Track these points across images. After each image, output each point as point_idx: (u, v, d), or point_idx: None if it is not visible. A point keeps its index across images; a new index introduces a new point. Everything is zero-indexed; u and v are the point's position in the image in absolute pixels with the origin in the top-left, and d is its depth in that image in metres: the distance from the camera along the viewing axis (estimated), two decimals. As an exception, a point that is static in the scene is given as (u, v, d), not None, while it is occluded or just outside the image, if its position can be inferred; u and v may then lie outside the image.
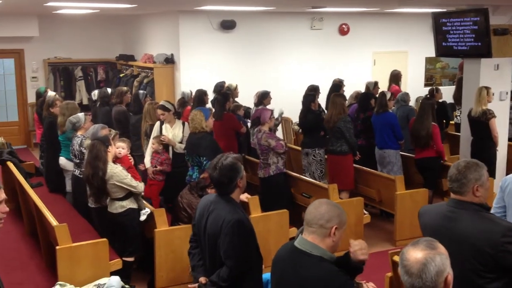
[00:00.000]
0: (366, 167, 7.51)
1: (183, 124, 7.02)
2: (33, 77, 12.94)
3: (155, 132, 7.04)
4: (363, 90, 9.32)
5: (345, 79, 9.91)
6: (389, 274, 4.34)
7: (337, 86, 9.34)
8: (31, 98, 12.21)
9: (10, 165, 7.61)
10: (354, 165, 7.45)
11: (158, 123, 7.10)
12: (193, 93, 8.96)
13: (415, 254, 2.17)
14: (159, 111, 6.96)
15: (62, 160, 6.95)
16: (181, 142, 6.88)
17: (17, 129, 12.97)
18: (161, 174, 6.79)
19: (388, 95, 7.88)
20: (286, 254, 2.84)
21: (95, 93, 9.50)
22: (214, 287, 3.49)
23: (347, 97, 8.52)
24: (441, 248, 2.21)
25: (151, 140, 6.94)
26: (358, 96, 8.76)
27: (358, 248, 2.98)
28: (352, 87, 9.67)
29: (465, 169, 3.01)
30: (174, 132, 6.93)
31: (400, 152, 7.78)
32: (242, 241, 3.42)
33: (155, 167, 6.75)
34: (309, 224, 2.74)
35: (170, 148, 6.94)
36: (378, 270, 5.79)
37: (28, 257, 6.60)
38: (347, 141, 7.28)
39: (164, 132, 6.96)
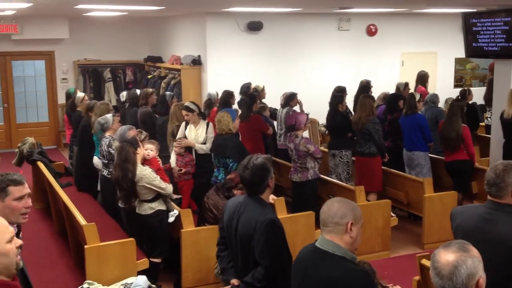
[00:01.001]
0: (394, 169, 7.42)
1: (207, 124, 7.04)
2: (63, 79, 13.16)
3: (181, 133, 7.09)
4: (391, 91, 9.22)
5: (372, 80, 9.81)
6: (417, 277, 4.27)
7: (365, 88, 9.25)
8: (61, 99, 12.41)
9: (41, 165, 7.74)
10: (382, 167, 7.38)
11: (183, 123, 7.15)
12: (219, 95, 8.99)
13: (447, 256, 2.14)
14: (184, 112, 7.00)
15: (95, 160, 7.04)
16: (204, 143, 6.89)
17: (47, 129, 13.20)
18: (189, 164, 6.81)
19: (418, 96, 7.78)
20: (308, 255, 2.83)
21: (123, 95, 9.61)
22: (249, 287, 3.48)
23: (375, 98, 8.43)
24: (474, 251, 2.18)
25: (175, 143, 6.98)
26: (385, 98, 8.67)
27: None
28: (380, 88, 9.57)
29: (504, 172, 2.97)
30: (198, 133, 6.96)
31: (429, 154, 7.67)
32: (277, 240, 3.43)
33: (180, 170, 6.79)
34: (324, 224, 2.74)
35: (193, 149, 6.96)
36: (405, 273, 5.73)
37: (57, 255, 6.71)
38: (375, 143, 7.21)
39: (188, 132, 6.99)
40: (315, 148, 6.72)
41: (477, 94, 10.34)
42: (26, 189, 2.91)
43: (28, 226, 2.98)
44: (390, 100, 8.24)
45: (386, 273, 5.78)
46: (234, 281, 3.59)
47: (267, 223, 3.39)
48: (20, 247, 2.34)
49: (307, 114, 6.98)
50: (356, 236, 2.73)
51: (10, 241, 2.28)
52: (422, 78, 10.38)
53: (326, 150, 8.16)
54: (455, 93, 11.10)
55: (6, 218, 2.72)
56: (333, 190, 6.81)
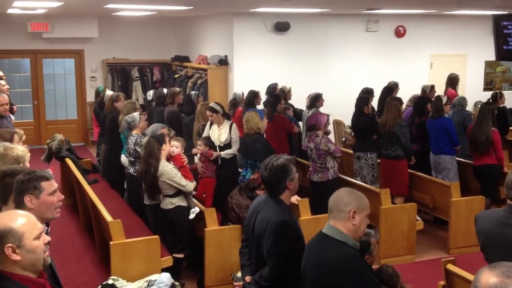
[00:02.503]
0: (421, 173, 7.34)
1: (231, 125, 7.06)
2: (92, 77, 13.36)
3: (206, 132, 7.13)
4: (419, 93, 9.12)
5: (400, 82, 9.71)
6: (442, 282, 4.22)
7: (390, 89, 9.15)
8: (90, 97, 12.60)
9: (69, 161, 7.86)
10: (409, 170, 7.30)
11: (209, 123, 7.19)
12: (245, 95, 9.01)
13: (489, 278, 2.01)
14: (208, 113, 7.04)
15: (123, 158, 7.14)
16: (228, 143, 6.91)
17: (75, 127, 13.41)
18: (209, 168, 6.81)
19: (444, 99, 7.67)
20: (314, 240, 3.02)
21: (150, 93, 9.71)
22: (256, 286, 3.53)
23: (403, 100, 8.33)
24: None
25: (198, 141, 6.99)
26: (413, 100, 8.58)
27: None
28: (408, 91, 9.47)
29: None
30: (221, 133, 6.99)
31: (456, 158, 7.57)
32: (285, 242, 3.44)
33: (206, 159, 6.76)
34: (330, 210, 2.93)
35: (217, 148, 6.97)
36: (430, 278, 5.67)
37: (83, 251, 6.81)
38: (402, 146, 7.14)
39: (211, 132, 7.03)
40: (335, 147, 6.72)
41: (507, 98, 10.15)
42: (55, 184, 2.96)
43: (55, 221, 3.02)
44: (417, 103, 8.15)
45: (411, 277, 5.72)
46: (247, 278, 3.66)
47: (277, 224, 3.43)
48: (48, 243, 2.37)
49: (327, 115, 6.98)
50: (359, 224, 2.86)
51: (38, 237, 2.31)
52: (452, 81, 10.23)
53: (351, 151, 8.12)
54: (484, 96, 10.93)
55: (42, 215, 2.79)
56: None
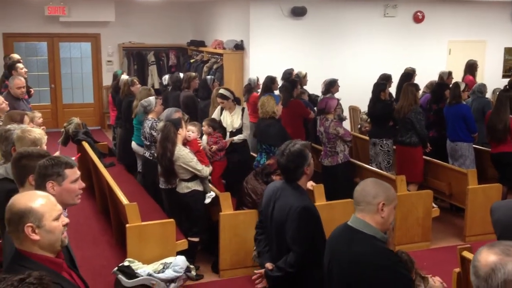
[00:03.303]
0: (437, 160, 7.29)
1: (243, 110, 7.06)
2: (108, 61, 13.40)
3: (215, 115, 7.13)
4: (437, 80, 9.03)
5: (418, 69, 9.59)
6: (457, 269, 4.20)
7: (408, 75, 9.06)
8: (106, 81, 12.66)
9: (85, 145, 7.92)
10: (424, 157, 7.26)
11: (218, 108, 7.19)
12: (260, 80, 8.97)
13: (488, 256, 2.04)
14: (219, 100, 7.04)
15: (133, 145, 7.18)
16: (240, 128, 6.91)
17: (92, 110, 13.50)
18: (219, 152, 6.80)
19: (462, 86, 7.58)
20: (339, 233, 2.90)
21: (165, 78, 9.73)
22: (281, 272, 3.51)
23: (421, 86, 8.26)
24: None
25: (203, 122, 6.98)
26: (430, 86, 8.49)
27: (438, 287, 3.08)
28: (426, 77, 9.38)
29: None
30: (233, 118, 6.99)
31: (474, 145, 7.49)
32: (309, 227, 3.43)
33: (211, 148, 6.77)
34: (357, 202, 2.81)
35: (228, 134, 6.98)
36: (445, 265, 5.65)
37: (100, 233, 6.88)
38: (417, 133, 7.09)
39: (223, 118, 7.03)
40: (345, 131, 6.71)
41: (527, 85, 9.99)
42: (78, 171, 2.97)
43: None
44: (435, 89, 8.07)
45: (426, 264, 5.70)
46: (268, 265, 3.62)
47: (300, 210, 3.40)
48: (66, 225, 2.40)
49: (338, 99, 6.98)
50: (387, 216, 2.77)
51: (57, 218, 2.34)
52: (471, 67, 10.10)
53: (366, 138, 8.07)
54: (503, 83, 10.76)
55: (63, 201, 2.81)
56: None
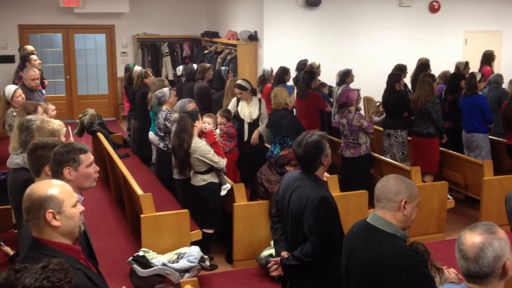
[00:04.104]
0: (453, 151, 7.23)
1: (260, 101, 7.05)
2: (122, 52, 13.45)
3: (231, 107, 7.13)
4: (452, 70, 8.93)
5: (434, 59, 9.52)
6: (472, 261, 4.17)
7: (424, 66, 8.97)
8: (121, 73, 12.71)
9: (100, 136, 7.97)
10: (440, 148, 7.20)
11: (234, 99, 7.18)
12: (274, 71, 8.95)
13: (473, 238, 2.14)
14: (237, 90, 7.03)
15: (151, 135, 7.20)
16: (257, 119, 6.91)
17: (107, 101, 13.57)
18: (229, 141, 6.78)
19: (478, 76, 7.50)
20: (358, 230, 2.83)
21: (179, 69, 9.73)
22: (297, 262, 3.52)
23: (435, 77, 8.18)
24: (501, 233, 2.16)
25: (217, 113, 6.97)
26: (445, 77, 8.40)
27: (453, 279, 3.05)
28: (442, 67, 9.28)
29: None
30: (251, 110, 6.98)
31: (489, 136, 7.42)
32: (327, 218, 3.42)
33: (222, 135, 6.76)
34: (378, 199, 2.73)
35: (246, 125, 6.97)
36: (460, 257, 5.60)
37: (115, 223, 6.94)
38: (434, 123, 7.03)
39: (240, 109, 7.03)
40: (368, 123, 6.69)
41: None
42: (91, 156, 3.02)
43: (87, 194, 3.09)
44: (451, 79, 7.99)
45: (440, 255, 5.67)
46: (284, 254, 3.63)
47: (318, 200, 3.40)
48: (82, 212, 2.45)
49: (358, 90, 6.93)
50: (409, 214, 2.70)
51: (75, 205, 2.39)
52: (488, 58, 9.98)
53: (380, 129, 8.03)
54: (520, 74, 10.64)
55: (80, 185, 2.89)
56: (387, 170, 6.71)
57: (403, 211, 2.67)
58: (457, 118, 7.62)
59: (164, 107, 6.76)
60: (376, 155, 7.15)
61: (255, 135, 6.94)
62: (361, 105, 9.84)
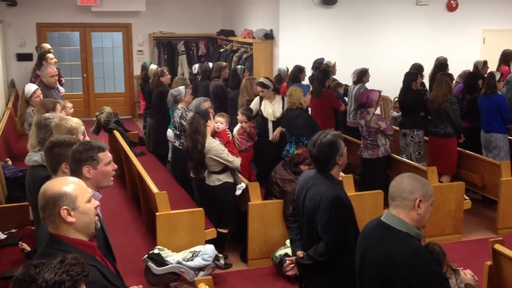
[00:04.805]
0: (470, 151, 7.15)
1: (283, 99, 7.04)
2: (139, 51, 13.51)
3: (254, 107, 7.12)
4: (471, 69, 8.84)
5: (451, 58, 9.41)
6: (489, 262, 4.13)
7: (442, 65, 8.89)
8: (137, 71, 12.76)
9: (117, 133, 8.02)
10: (457, 148, 7.13)
11: (257, 98, 7.17)
12: (290, 70, 8.93)
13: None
14: (259, 88, 7.03)
15: (169, 132, 7.23)
16: (281, 117, 6.91)
17: (123, 100, 13.65)
18: (246, 141, 6.79)
19: (498, 76, 7.41)
20: (372, 229, 2.83)
21: (195, 67, 9.76)
22: (311, 261, 3.52)
23: (454, 76, 8.09)
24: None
25: (238, 111, 6.98)
26: (464, 76, 8.32)
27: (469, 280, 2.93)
28: (459, 67, 9.19)
29: None
30: (274, 108, 6.98)
31: (509, 137, 7.33)
32: (340, 217, 3.42)
33: (241, 134, 6.77)
34: (392, 198, 2.73)
35: (270, 123, 6.96)
36: (477, 258, 5.58)
37: (130, 221, 6.98)
38: (452, 123, 6.96)
39: (263, 108, 7.02)
40: (386, 125, 6.59)
41: None
42: (110, 154, 3.04)
43: (103, 192, 3.10)
44: (469, 79, 7.90)
45: (456, 256, 5.63)
46: (299, 253, 3.64)
47: (332, 199, 3.40)
48: (97, 207, 2.47)
49: (379, 92, 6.83)
50: (424, 213, 2.68)
51: (89, 201, 2.42)
52: (506, 57, 9.85)
53: (397, 128, 7.97)
54: (539, 73, 10.47)
55: (98, 183, 2.92)
56: (404, 170, 6.66)
57: (418, 210, 2.66)
58: (475, 118, 7.54)
59: (179, 105, 6.78)
60: (397, 156, 7.08)
61: (276, 132, 6.92)
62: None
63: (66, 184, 2.38)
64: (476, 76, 7.89)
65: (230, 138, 6.11)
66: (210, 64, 9.26)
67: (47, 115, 4.29)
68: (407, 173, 2.80)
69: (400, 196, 2.68)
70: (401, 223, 2.67)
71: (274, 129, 6.98)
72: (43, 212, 2.36)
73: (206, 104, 6.08)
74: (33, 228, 4.99)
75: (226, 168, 5.62)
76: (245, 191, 5.72)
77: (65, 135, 3.55)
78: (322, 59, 9.52)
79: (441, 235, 6.21)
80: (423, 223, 2.72)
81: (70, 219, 2.33)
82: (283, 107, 6.95)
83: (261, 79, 7.12)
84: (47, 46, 9.89)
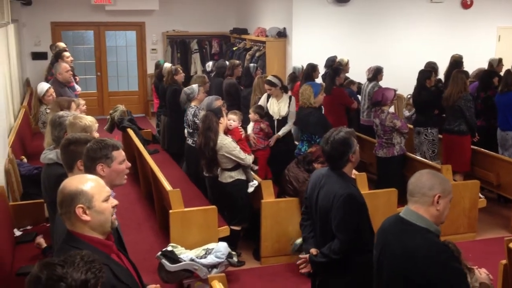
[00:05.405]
0: (486, 149, 7.09)
1: (290, 98, 7.02)
2: (152, 49, 13.57)
3: (261, 103, 7.13)
4: (485, 67, 8.76)
5: (466, 56, 9.33)
6: (504, 261, 4.10)
7: (457, 63, 8.81)
8: (150, 69, 12.82)
9: (130, 132, 8.06)
10: (472, 146, 7.07)
11: (265, 95, 7.18)
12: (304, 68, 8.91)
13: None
14: (266, 86, 7.03)
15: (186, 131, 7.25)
16: (286, 116, 6.89)
17: (136, 98, 13.71)
18: (263, 140, 6.81)
19: (514, 74, 7.34)
20: (391, 225, 2.83)
21: (209, 65, 9.79)
22: (325, 259, 3.51)
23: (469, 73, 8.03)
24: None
25: (250, 110, 6.99)
26: (479, 74, 8.25)
27: (484, 279, 2.98)
28: (474, 64, 9.11)
29: None
30: (280, 106, 6.96)
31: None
32: (354, 215, 3.41)
33: (257, 136, 6.78)
34: (411, 194, 2.74)
35: (275, 122, 6.96)
36: (491, 256, 5.53)
37: (144, 219, 7.01)
38: (466, 121, 6.91)
39: (269, 105, 7.02)
40: (401, 123, 6.55)
41: None
42: (123, 153, 3.05)
43: (117, 189, 3.12)
44: (484, 77, 7.84)
45: (471, 255, 5.58)
46: (313, 251, 3.64)
47: (345, 197, 3.39)
48: (115, 207, 2.47)
49: (394, 90, 6.80)
50: (443, 209, 2.70)
51: (106, 200, 2.42)
52: (521, 54, 9.76)
53: (411, 126, 7.93)
54: (556, 70, 10.34)
55: (112, 181, 2.91)
56: (418, 168, 6.60)
57: (437, 206, 2.68)
58: (490, 116, 7.47)
59: (193, 104, 6.80)
60: (412, 155, 7.04)
61: (272, 138, 6.86)
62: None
63: (84, 182, 2.39)
64: (491, 74, 7.83)
65: (243, 135, 6.12)
66: (227, 62, 9.27)
67: (61, 113, 4.32)
68: (426, 170, 2.81)
69: (419, 192, 2.69)
70: (420, 219, 2.68)
71: (278, 128, 6.97)
72: (60, 209, 2.38)
73: (218, 102, 6.10)
74: (48, 225, 5.04)
75: (238, 166, 5.63)
76: (259, 189, 5.73)
77: (81, 133, 3.58)
78: (335, 57, 9.48)
79: (456, 234, 6.16)
80: (442, 220, 2.73)
81: (85, 217, 2.34)
82: (289, 106, 6.92)
83: (269, 77, 7.13)
84: (62, 45, 9.97)
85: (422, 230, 2.66)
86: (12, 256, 4.89)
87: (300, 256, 3.78)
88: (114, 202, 2.47)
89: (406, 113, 9.01)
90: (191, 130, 6.68)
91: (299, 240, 5.45)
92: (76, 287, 1.85)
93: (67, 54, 8.68)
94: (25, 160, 6.85)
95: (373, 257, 2.95)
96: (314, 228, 3.70)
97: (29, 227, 5.59)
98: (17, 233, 5.45)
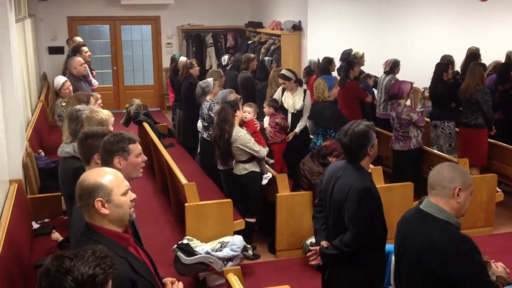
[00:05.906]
0: (504, 143, 7.01)
1: (305, 92, 7.01)
2: (167, 43, 13.60)
3: (276, 96, 7.13)
4: (503, 60, 8.65)
5: (483, 49, 9.21)
6: (522, 256, 4.06)
7: (475, 55, 8.71)
8: (166, 63, 12.87)
9: (146, 125, 8.11)
10: (489, 140, 7.00)
11: (280, 89, 7.18)
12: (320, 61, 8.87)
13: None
14: (280, 80, 7.03)
15: (199, 124, 7.29)
16: (301, 110, 6.88)
17: (152, 92, 13.77)
18: (280, 134, 6.81)
19: (532, 66, 7.25)
20: (411, 217, 2.84)
21: (225, 58, 9.80)
22: (336, 251, 3.50)
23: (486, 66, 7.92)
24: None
25: (264, 104, 7.00)
26: (497, 67, 8.15)
27: (500, 272, 2.95)
28: (491, 57, 9.00)
29: None
30: (295, 100, 6.96)
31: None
32: (368, 208, 3.40)
33: (273, 130, 6.79)
34: (432, 186, 2.74)
35: (289, 115, 6.96)
36: (508, 250, 5.50)
37: (160, 212, 7.06)
38: (483, 114, 6.83)
39: (284, 99, 7.02)
40: (418, 116, 6.51)
41: None
42: (139, 146, 3.07)
43: (133, 182, 3.14)
44: (501, 69, 7.75)
45: (488, 249, 5.54)
46: (324, 243, 3.63)
47: (360, 190, 3.37)
48: (133, 200, 2.49)
49: (411, 83, 6.75)
50: (463, 202, 2.70)
51: (125, 194, 2.43)
52: (540, 47, 9.61)
53: (427, 120, 7.87)
54: None
55: (129, 175, 2.94)
56: (435, 162, 6.57)
57: (457, 199, 2.68)
58: (508, 109, 7.39)
59: (208, 97, 6.82)
60: (429, 149, 6.98)
61: (290, 134, 6.91)
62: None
63: (103, 176, 2.41)
64: (509, 66, 7.74)
65: (258, 128, 6.13)
66: (243, 56, 9.27)
67: (78, 107, 4.36)
68: (446, 162, 2.82)
69: (440, 184, 2.70)
70: (440, 211, 2.68)
71: (293, 121, 6.97)
72: (79, 201, 2.41)
73: (232, 95, 6.13)
74: (66, 218, 5.09)
75: (252, 158, 5.65)
76: (273, 182, 5.73)
77: (98, 127, 3.61)
78: (350, 50, 9.43)
79: (473, 228, 6.11)
80: (462, 212, 2.73)
81: (104, 211, 2.36)
82: (304, 100, 6.92)
83: (283, 71, 7.12)
84: (78, 39, 10.03)
85: (442, 222, 2.66)
86: (30, 249, 4.96)
87: (311, 248, 3.77)
88: (133, 195, 2.48)
89: (419, 107, 8.94)
90: (206, 124, 6.71)
91: (309, 241, 5.45)
92: (82, 281, 1.84)
93: (85, 48, 8.72)
94: (42, 153, 6.92)
95: (394, 249, 2.95)
96: (326, 221, 3.69)
97: (46, 220, 5.66)
98: (35, 225, 5.52)
